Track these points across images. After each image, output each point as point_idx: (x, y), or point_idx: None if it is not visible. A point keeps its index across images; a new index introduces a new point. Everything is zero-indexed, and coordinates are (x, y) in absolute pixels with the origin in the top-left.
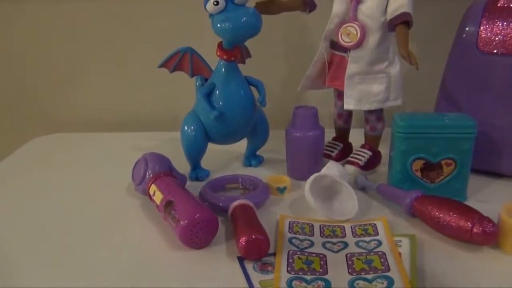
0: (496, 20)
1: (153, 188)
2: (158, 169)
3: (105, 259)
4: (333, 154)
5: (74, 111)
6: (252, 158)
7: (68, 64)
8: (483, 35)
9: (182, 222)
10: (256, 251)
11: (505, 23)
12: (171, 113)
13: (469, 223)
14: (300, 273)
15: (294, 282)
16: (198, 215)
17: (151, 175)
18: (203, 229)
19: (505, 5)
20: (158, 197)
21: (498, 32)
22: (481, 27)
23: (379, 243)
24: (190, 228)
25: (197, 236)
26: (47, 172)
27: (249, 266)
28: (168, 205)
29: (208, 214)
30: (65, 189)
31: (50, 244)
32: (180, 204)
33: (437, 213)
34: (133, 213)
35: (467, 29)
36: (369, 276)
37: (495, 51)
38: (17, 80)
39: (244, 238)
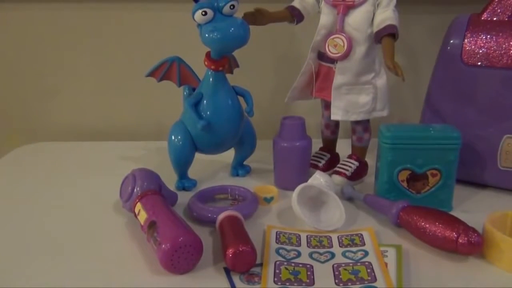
0: (480, 33)
1: (138, 206)
2: (146, 186)
3: (81, 278)
4: (320, 165)
5: (60, 119)
6: (239, 168)
7: (54, 73)
8: (467, 48)
9: (163, 246)
10: (243, 263)
11: (488, 36)
12: (158, 122)
13: (454, 233)
14: (287, 284)
15: None
16: (181, 238)
17: (138, 193)
18: (186, 254)
19: (489, 19)
20: (142, 216)
21: (482, 45)
22: (465, 40)
23: (366, 253)
24: (172, 253)
25: (179, 261)
26: (31, 182)
27: (235, 277)
28: (151, 226)
29: (192, 238)
30: (49, 201)
31: (29, 257)
32: (163, 225)
33: (423, 224)
34: (118, 230)
35: (451, 41)
36: (355, 287)
37: (479, 63)
38: (1, 89)
39: (231, 250)
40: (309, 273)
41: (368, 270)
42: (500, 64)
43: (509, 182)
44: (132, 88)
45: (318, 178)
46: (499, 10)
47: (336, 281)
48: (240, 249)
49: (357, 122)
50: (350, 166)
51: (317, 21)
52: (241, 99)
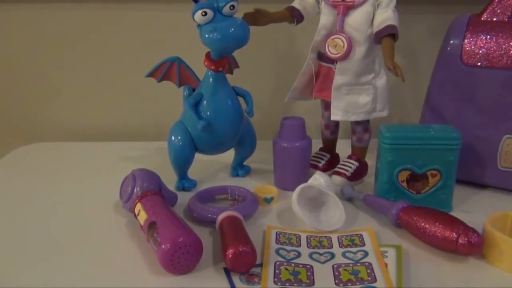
0: (479, 34)
1: (138, 207)
2: (146, 187)
3: (81, 279)
4: (320, 165)
5: (60, 119)
6: (239, 168)
7: (54, 73)
8: (467, 48)
9: (163, 246)
10: (243, 264)
11: (488, 37)
12: (158, 122)
13: (454, 233)
14: (287, 284)
15: None
16: (181, 238)
17: (138, 193)
18: (186, 254)
19: (489, 19)
20: (142, 217)
21: (482, 45)
22: (465, 40)
23: (366, 253)
24: (172, 253)
25: (178, 262)
26: (30, 182)
27: (235, 277)
28: (151, 226)
29: (192, 238)
30: (49, 201)
31: (29, 257)
32: (163, 226)
33: (422, 224)
34: (118, 230)
35: (451, 42)
36: (355, 287)
37: (478, 64)
38: (1, 89)
39: (231, 250)
40: (309, 273)
41: (368, 271)
42: (500, 64)
43: (509, 182)
44: (132, 88)
45: (318, 179)
46: (499, 11)
47: (336, 281)
48: (240, 250)
49: (357, 123)
50: (350, 167)
51: (317, 22)
52: (241, 99)
